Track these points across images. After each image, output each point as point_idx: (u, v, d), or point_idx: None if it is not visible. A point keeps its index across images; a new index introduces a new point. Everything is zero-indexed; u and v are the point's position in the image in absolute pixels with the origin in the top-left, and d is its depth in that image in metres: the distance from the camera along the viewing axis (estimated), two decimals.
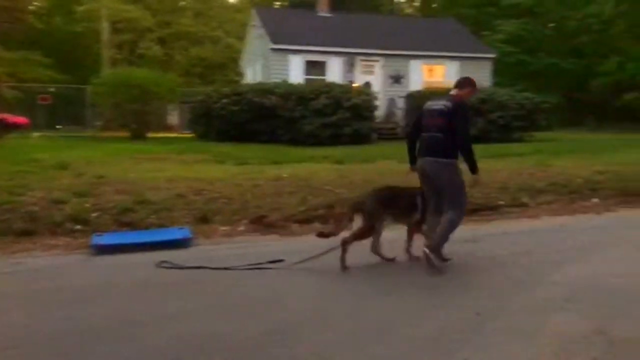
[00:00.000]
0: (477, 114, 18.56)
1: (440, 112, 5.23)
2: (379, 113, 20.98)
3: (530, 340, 3.60)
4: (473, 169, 5.22)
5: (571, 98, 33.43)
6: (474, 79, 5.71)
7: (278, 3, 44.58)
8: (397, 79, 22.69)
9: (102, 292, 4.65)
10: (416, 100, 20.10)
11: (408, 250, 5.56)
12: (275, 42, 21.50)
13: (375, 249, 5.39)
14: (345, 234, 5.32)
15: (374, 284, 4.86)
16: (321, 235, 5.46)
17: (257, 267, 5.22)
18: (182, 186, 8.15)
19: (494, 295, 4.49)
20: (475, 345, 3.52)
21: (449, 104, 5.23)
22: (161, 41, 41.19)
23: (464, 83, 5.54)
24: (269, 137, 17.34)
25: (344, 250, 5.17)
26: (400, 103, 21.52)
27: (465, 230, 6.94)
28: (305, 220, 7.38)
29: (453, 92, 5.45)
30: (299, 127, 17.31)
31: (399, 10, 47.83)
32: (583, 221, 7.75)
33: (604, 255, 5.81)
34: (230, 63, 35.63)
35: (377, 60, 22.63)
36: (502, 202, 8.70)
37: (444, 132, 5.15)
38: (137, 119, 19.27)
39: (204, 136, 18.54)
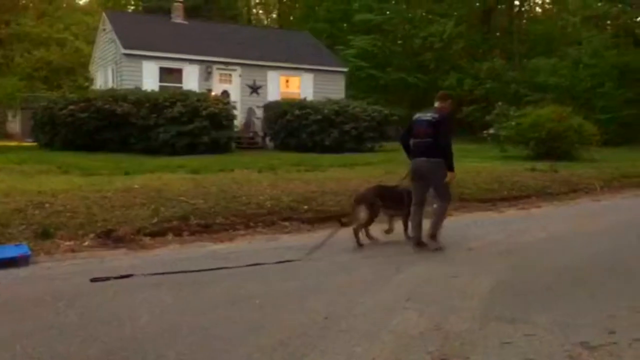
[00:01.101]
0: (331, 126, 19.26)
1: (428, 123, 6.44)
2: (238, 122, 20.96)
3: (373, 341, 3.80)
4: (451, 167, 6.42)
5: (417, 110, 35.69)
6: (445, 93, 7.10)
7: (132, 7, 42.89)
8: (255, 88, 22.82)
9: None
10: (274, 110, 20.38)
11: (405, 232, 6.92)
12: (127, 47, 20.63)
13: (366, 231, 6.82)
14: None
15: (217, 297, 4.81)
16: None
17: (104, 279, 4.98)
18: (21, 199, 7.52)
19: (341, 298, 4.67)
20: (321, 349, 3.64)
21: (436, 115, 6.47)
22: None
23: (445, 97, 6.81)
24: (121, 146, 16.58)
25: (356, 235, 6.61)
26: (259, 113, 21.66)
27: (317, 237, 7.18)
28: (157, 233, 7.18)
29: (437, 104, 6.63)
30: (153, 135, 16.76)
31: (257, 21, 48.24)
32: (424, 225, 8.30)
33: (442, 256, 6.29)
34: (79, 68, 33.57)
35: (234, 70, 22.59)
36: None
37: (433, 138, 6.35)
38: None
39: (48, 145, 17.26)
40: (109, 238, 6.78)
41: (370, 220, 6.74)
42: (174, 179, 9.97)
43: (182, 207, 7.91)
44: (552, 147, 16.93)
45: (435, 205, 6.79)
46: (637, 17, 33.48)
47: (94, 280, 5.07)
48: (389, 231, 7.07)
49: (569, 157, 16.98)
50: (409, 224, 6.77)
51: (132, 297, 4.71)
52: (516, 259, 6.23)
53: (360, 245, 6.58)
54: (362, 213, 6.72)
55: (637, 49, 32.38)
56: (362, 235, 6.76)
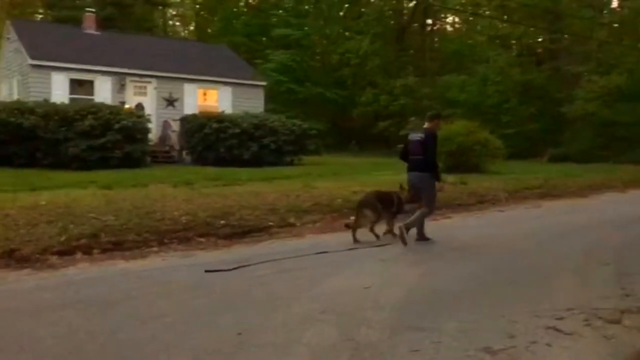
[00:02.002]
0: (250, 139, 19.24)
1: (418, 142, 7.73)
2: (153, 136, 20.50)
3: (287, 354, 3.83)
4: (438, 178, 7.73)
5: (336, 125, 36.41)
6: (439, 112, 8.59)
7: (40, 16, 41.00)
8: (171, 101, 22.42)
9: None
10: (191, 123, 20.09)
11: (391, 231, 8.05)
12: (34, 58, 19.74)
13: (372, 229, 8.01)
14: None
15: (126, 317, 4.69)
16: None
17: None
18: None
19: (255, 314, 4.67)
20: None
21: (423, 135, 7.73)
22: None
23: (434, 117, 7.95)
24: (28, 160, 15.82)
25: (373, 232, 8.00)
26: (175, 126, 21.26)
27: (234, 253, 7.15)
28: (65, 252, 6.87)
29: (426, 125, 7.84)
30: (62, 150, 16.09)
31: (173, 33, 47.43)
32: (342, 237, 8.44)
33: (356, 268, 6.42)
34: None
35: (149, 82, 22.10)
36: (271, 223, 9.10)
37: (422, 155, 7.63)
38: None
39: None
40: (12, 258, 6.43)
41: (377, 220, 7.97)
42: (84, 194, 9.63)
43: (92, 224, 7.64)
44: (461, 160, 17.71)
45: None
46: (538, 38, 35.74)
47: None
48: (388, 232, 8.13)
49: (477, 169, 17.83)
50: (396, 224, 7.98)
51: (37, 319, 4.51)
52: (426, 268, 6.47)
53: (356, 241, 7.77)
54: (368, 215, 7.95)
55: (539, 67, 34.58)
56: (357, 235, 7.89)
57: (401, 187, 8.29)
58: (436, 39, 46.35)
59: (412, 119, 21.74)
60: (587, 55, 31.81)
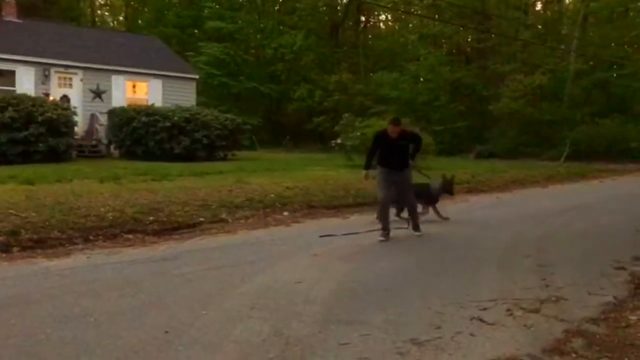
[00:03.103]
0: (181, 133, 18.84)
1: (403, 145, 8.11)
2: (79, 129, 19.72)
3: (215, 351, 3.78)
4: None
5: (270, 120, 36.29)
6: (398, 118, 8.32)
7: None
8: (98, 94, 21.63)
9: None
10: (119, 116, 19.47)
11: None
12: None
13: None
14: None
15: (47, 316, 4.49)
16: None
17: None
18: None
19: (183, 312, 4.58)
20: None
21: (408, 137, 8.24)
22: None
23: (397, 122, 8.04)
24: None
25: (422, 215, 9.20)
26: (103, 119, 20.54)
27: (163, 250, 6.99)
28: None
29: (393, 128, 7.88)
30: None
31: (102, 23, 45.80)
32: (274, 233, 8.43)
33: (288, 263, 6.40)
34: None
35: (75, 73, 21.23)
36: (202, 219, 8.98)
37: (405, 155, 8.19)
38: None
39: None
40: None
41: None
42: (2, 190, 9.15)
43: (11, 221, 7.29)
44: None
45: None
46: (468, 37, 36.86)
47: None
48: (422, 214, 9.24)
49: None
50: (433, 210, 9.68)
51: None
52: (357, 262, 6.54)
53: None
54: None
55: (467, 66, 35.68)
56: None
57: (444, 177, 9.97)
58: (369, 36, 46.96)
59: (346, 115, 21.89)
60: (512, 55, 33.12)
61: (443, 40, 38.76)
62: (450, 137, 30.01)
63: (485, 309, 4.71)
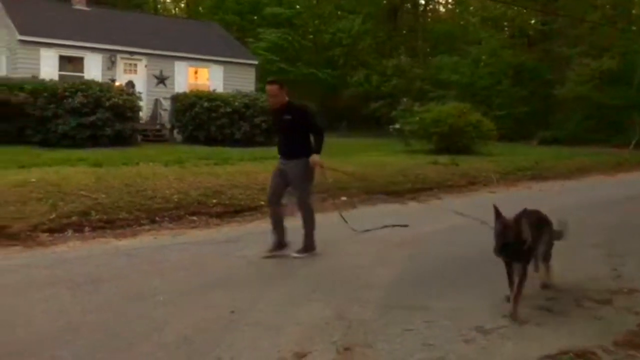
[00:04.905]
0: (241, 119, 19.11)
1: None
2: (144, 114, 20.31)
3: (278, 333, 3.84)
4: None
5: (327, 105, 36.24)
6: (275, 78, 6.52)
7: None
8: (162, 79, 22.18)
9: None
10: (182, 102, 19.92)
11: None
12: (23, 34, 19.40)
13: None
14: None
15: (118, 294, 4.67)
16: None
17: None
18: None
19: (246, 293, 4.67)
20: (227, 344, 3.63)
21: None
22: None
23: (272, 82, 6.08)
24: (16, 138, 15.58)
25: None
26: (166, 104, 21.07)
27: (226, 232, 7.14)
28: (56, 229, 6.84)
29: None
30: (52, 127, 15.91)
31: (164, 10, 46.80)
32: (332, 218, 8.44)
33: (347, 248, 6.41)
34: None
35: (140, 60, 21.84)
36: (262, 203, 9.07)
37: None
38: None
39: None
40: (2, 235, 6.38)
41: None
42: (74, 172, 9.54)
43: (83, 202, 7.60)
44: (453, 142, 17.73)
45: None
46: (531, 20, 35.60)
47: None
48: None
49: (469, 151, 17.85)
50: None
51: (27, 296, 4.48)
52: (416, 249, 6.48)
53: None
54: None
55: (531, 49, 34.48)
56: None
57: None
58: (428, 20, 46.07)
59: (405, 99, 21.66)
60: (579, 38, 31.76)
61: (505, 23, 37.55)
62: (511, 123, 29.13)
63: (552, 298, 4.59)
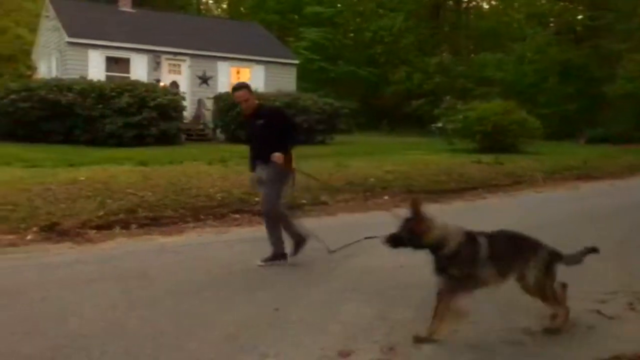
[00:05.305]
0: None
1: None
2: (188, 114, 20.65)
3: (321, 331, 3.83)
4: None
5: (368, 103, 36.12)
6: (241, 83, 6.08)
7: None
8: (205, 79, 22.52)
9: None
10: (225, 101, 20.15)
11: None
12: (72, 36, 20.01)
13: None
14: None
15: (165, 291, 4.75)
16: None
17: None
18: None
19: (288, 291, 4.69)
20: (272, 340, 3.65)
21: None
22: None
23: (237, 87, 5.88)
24: (65, 137, 16.12)
25: None
26: (209, 104, 21.38)
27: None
28: (104, 226, 7.02)
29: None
30: (99, 126, 16.35)
31: (206, 11, 47.49)
32: (374, 217, 8.41)
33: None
34: (21, 56, 32.23)
35: (184, 60, 22.22)
36: (304, 201, 9.12)
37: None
38: None
39: None
40: (53, 231, 6.59)
41: None
42: (121, 171, 9.77)
43: (130, 200, 7.77)
44: (497, 140, 17.42)
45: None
46: (578, 15, 34.70)
47: None
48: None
49: (513, 149, 17.51)
50: None
51: (77, 291, 4.61)
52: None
53: None
54: None
55: (578, 45, 33.59)
56: None
57: None
58: (471, 16, 45.37)
59: (447, 97, 21.39)
60: (629, 33, 30.74)
61: (551, 19, 36.70)
62: (558, 121, 28.47)
63: (603, 301, 4.45)
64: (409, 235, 3.71)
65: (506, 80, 31.30)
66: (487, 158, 14.14)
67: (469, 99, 23.64)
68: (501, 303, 4.41)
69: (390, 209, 9.12)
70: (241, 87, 5.73)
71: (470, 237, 3.77)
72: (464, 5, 43.78)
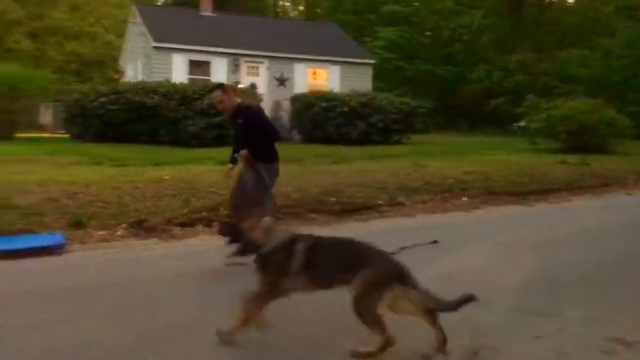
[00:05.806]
0: (358, 118, 19.21)
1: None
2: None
3: (402, 333, 3.78)
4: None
5: (445, 103, 35.48)
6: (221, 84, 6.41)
7: (161, 1, 43.29)
8: (282, 81, 22.87)
9: None
10: (301, 103, 20.40)
11: None
12: (157, 41, 20.87)
13: None
14: None
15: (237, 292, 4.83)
16: None
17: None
18: (55, 190, 7.70)
19: None
20: (352, 340, 3.65)
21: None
22: (32, 35, 38.45)
23: (218, 88, 6.06)
24: (151, 138, 16.80)
25: None
26: (286, 105, 21.69)
27: (348, 231, 7.20)
28: (188, 224, 7.27)
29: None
30: (182, 128, 16.94)
31: (283, 14, 48.26)
32: (454, 218, 8.27)
33: (471, 250, 6.24)
34: (110, 61, 34.05)
35: (262, 63, 22.67)
36: (381, 202, 9.08)
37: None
38: (2, 118, 17.84)
39: (80, 137, 17.56)
40: (141, 228, 6.89)
41: None
42: (203, 170, 10.09)
43: (212, 199, 8.00)
44: (583, 140, 16.64)
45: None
46: None
47: None
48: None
49: (601, 150, 16.65)
50: None
51: (166, 285, 4.80)
52: (546, 253, 6.16)
53: None
54: None
55: None
56: None
57: None
58: (556, 12, 43.55)
59: (530, 96, 20.62)
60: None
61: None
62: None
63: None
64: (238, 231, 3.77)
65: (592, 78, 29.84)
66: (572, 159, 13.55)
67: (552, 97, 22.71)
68: (589, 310, 4.21)
69: (470, 210, 8.98)
70: (214, 89, 5.95)
71: (289, 244, 3.63)
72: (548, 0, 42.12)
